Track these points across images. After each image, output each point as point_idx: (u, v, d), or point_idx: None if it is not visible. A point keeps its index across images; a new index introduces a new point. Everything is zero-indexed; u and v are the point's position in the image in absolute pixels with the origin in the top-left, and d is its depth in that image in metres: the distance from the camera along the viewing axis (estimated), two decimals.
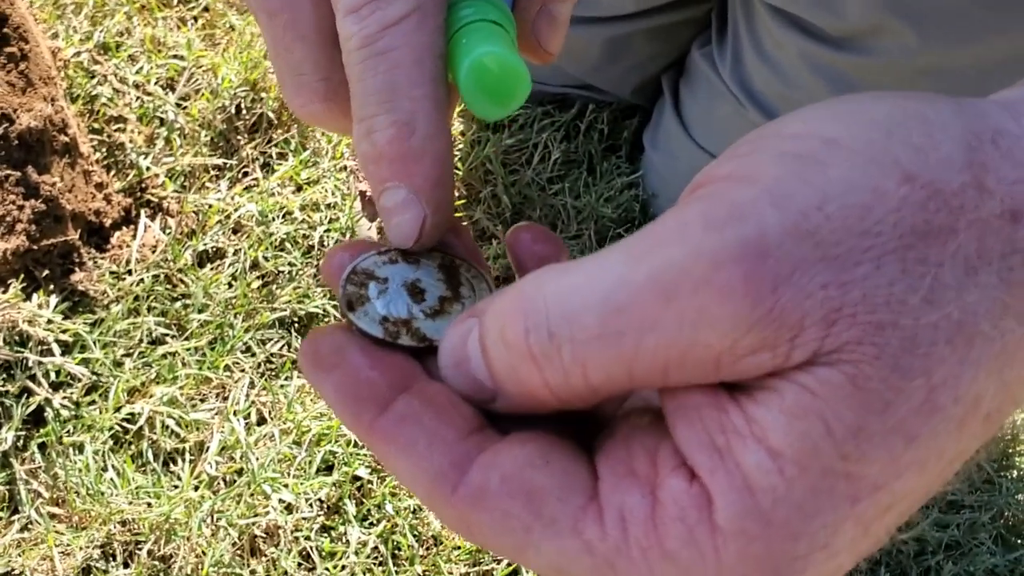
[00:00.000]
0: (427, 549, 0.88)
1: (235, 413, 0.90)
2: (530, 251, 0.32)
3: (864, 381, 0.22)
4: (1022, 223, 0.23)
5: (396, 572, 0.86)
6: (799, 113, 0.25)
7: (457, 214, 1.05)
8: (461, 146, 1.07)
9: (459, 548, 0.87)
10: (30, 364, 0.85)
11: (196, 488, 0.86)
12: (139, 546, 0.83)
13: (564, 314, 0.24)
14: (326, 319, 0.97)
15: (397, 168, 0.30)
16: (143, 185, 0.98)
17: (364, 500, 0.89)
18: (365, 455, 0.89)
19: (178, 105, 1.02)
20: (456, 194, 1.04)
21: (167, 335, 0.92)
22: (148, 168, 0.98)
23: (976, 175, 0.23)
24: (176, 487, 0.86)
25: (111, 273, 0.92)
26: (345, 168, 1.01)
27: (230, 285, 0.95)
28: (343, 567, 0.85)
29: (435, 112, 0.30)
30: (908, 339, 0.22)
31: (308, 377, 0.28)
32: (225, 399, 0.91)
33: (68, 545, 0.82)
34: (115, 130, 0.99)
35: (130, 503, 0.84)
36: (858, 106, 0.25)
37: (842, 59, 0.81)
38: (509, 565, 0.87)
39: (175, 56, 1.05)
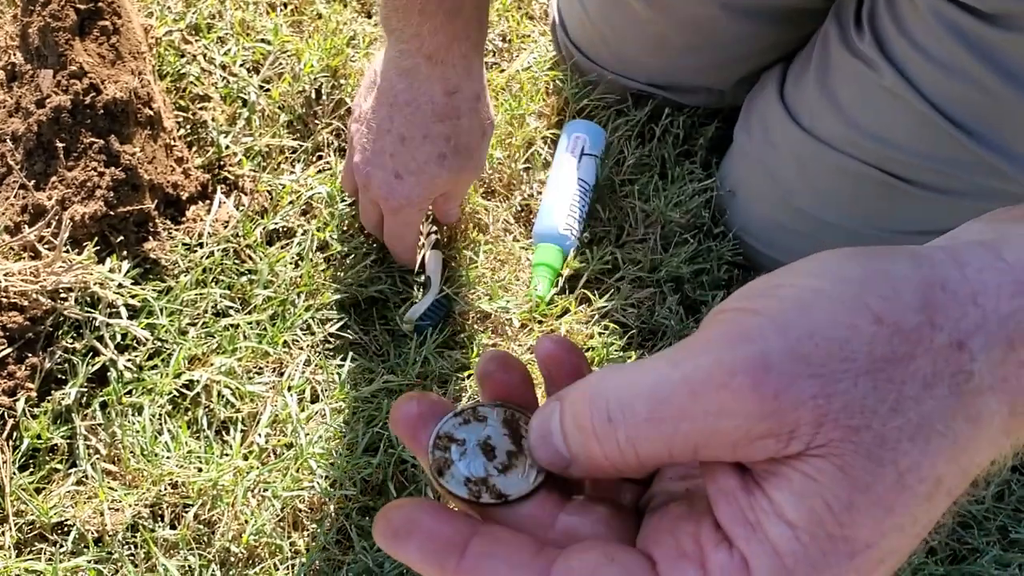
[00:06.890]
0: None
1: (289, 388, 0.91)
2: (560, 361, 0.39)
3: (850, 468, 0.30)
4: (965, 350, 0.30)
5: None
6: (792, 268, 0.33)
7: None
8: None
9: None
10: (98, 325, 0.88)
11: (245, 457, 0.88)
12: (186, 509, 0.86)
13: (620, 402, 0.32)
14: (386, 304, 0.98)
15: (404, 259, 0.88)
16: (221, 162, 1.01)
17: (407, 484, 0.89)
18: None
19: (261, 87, 1.05)
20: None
21: (231, 308, 0.94)
22: (227, 146, 1.01)
23: (929, 315, 0.30)
24: (226, 455, 0.88)
25: (183, 244, 0.95)
26: None
27: (296, 265, 0.97)
28: (379, 549, 0.86)
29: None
30: (879, 437, 0.29)
31: (389, 547, 0.33)
32: (281, 374, 0.93)
33: (119, 501, 0.85)
34: (199, 108, 1.03)
35: (181, 466, 0.86)
36: (836, 266, 0.32)
37: (992, 33, 0.83)
38: None
39: (262, 40, 1.08)
